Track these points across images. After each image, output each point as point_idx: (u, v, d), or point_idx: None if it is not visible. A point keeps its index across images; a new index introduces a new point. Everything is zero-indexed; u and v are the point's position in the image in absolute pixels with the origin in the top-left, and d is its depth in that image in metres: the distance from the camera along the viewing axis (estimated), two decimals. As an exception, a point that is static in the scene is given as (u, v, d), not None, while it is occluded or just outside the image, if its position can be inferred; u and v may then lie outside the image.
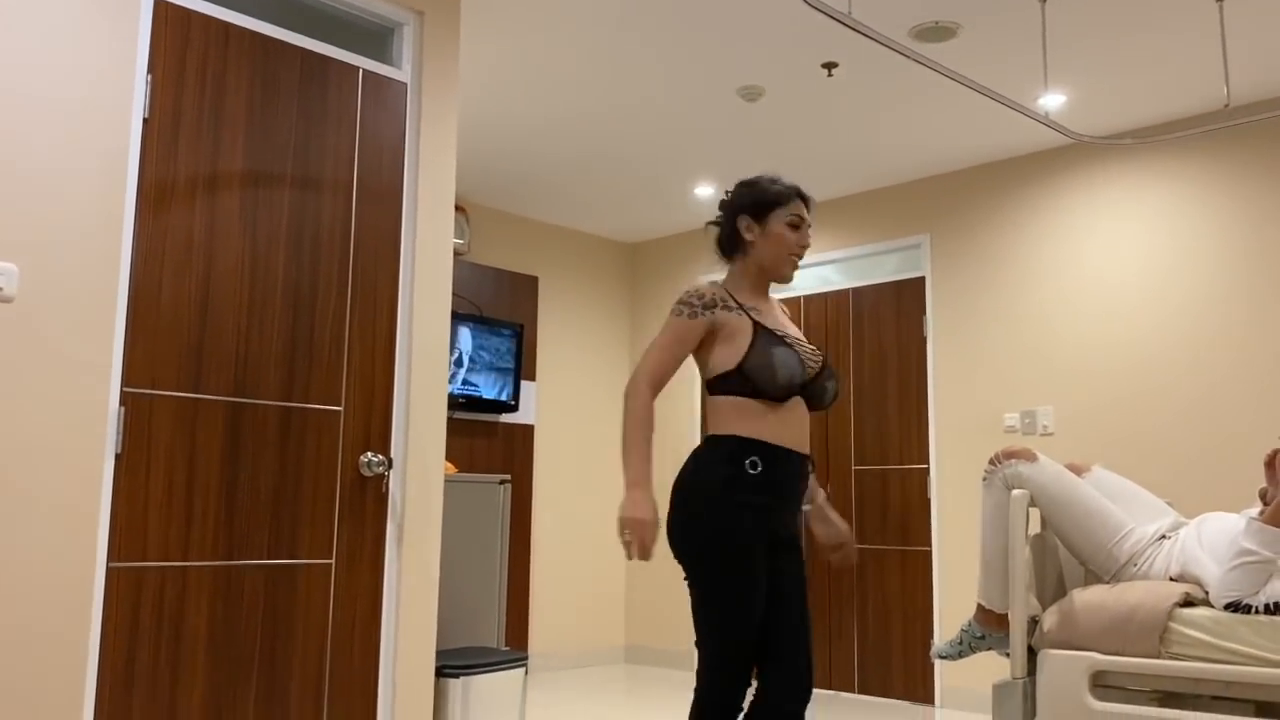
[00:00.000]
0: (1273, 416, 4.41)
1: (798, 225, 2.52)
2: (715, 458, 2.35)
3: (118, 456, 2.55)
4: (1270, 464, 2.39)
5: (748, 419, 2.38)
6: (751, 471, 2.32)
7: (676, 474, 2.40)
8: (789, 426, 2.38)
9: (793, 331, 2.53)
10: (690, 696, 5.45)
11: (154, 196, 2.67)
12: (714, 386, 2.44)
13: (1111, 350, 4.90)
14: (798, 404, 2.41)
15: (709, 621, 2.28)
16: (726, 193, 2.59)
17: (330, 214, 3.02)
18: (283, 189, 2.92)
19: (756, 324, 2.42)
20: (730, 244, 2.57)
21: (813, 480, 2.53)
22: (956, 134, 5.02)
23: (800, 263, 2.57)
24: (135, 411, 2.59)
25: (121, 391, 2.57)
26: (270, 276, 2.88)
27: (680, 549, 2.33)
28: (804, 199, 2.57)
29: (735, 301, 2.46)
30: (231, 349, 2.79)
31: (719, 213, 2.59)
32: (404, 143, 3.20)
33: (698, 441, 2.62)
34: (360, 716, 2.94)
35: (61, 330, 2.48)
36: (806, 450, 2.43)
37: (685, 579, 2.35)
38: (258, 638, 2.76)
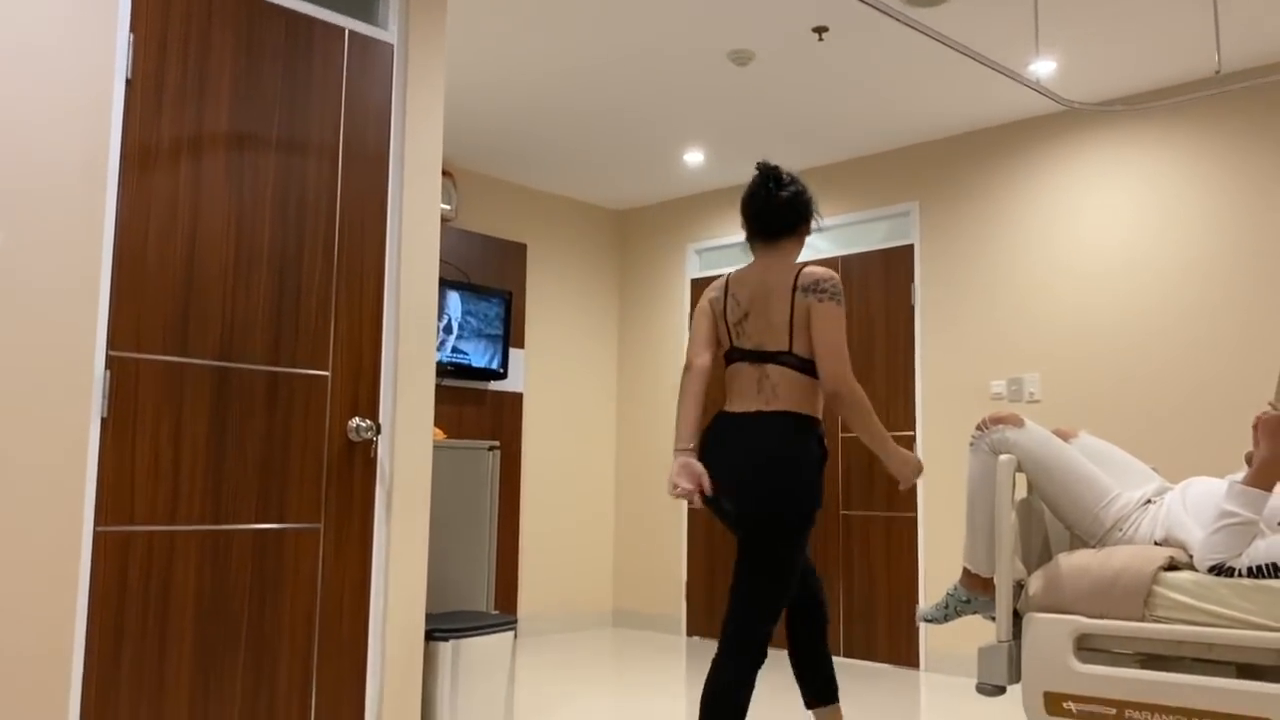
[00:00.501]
0: (1258, 382, 4.44)
1: None
2: (810, 435, 2.71)
3: (103, 420, 2.54)
4: (1257, 427, 2.41)
5: (818, 401, 2.80)
6: (821, 448, 2.75)
7: (754, 440, 2.68)
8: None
9: None
10: (678, 659, 5.49)
11: (138, 159, 2.64)
12: (805, 368, 2.75)
13: (1099, 317, 4.92)
14: None
15: (782, 576, 2.64)
16: (793, 179, 2.88)
17: (316, 177, 2.99)
18: (268, 152, 2.89)
19: None
20: (799, 228, 2.88)
21: None
22: (947, 100, 5.00)
23: None
24: (121, 375, 2.58)
25: (107, 355, 2.55)
26: (256, 240, 2.86)
27: (780, 511, 2.62)
28: None
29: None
30: (218, 313, 2.77)
31: (800, 191, 2.87)
32: (390, 105, 3.17)
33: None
34: (350, 680, 2.95)
35: (45, 294, 2.46)
36: None
37: (753, 537, 2.65)
38: (246, 602, 2.76)
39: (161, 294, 2.66)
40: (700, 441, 2.83)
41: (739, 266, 2.97)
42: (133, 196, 2.62)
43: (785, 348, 2.75)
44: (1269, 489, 2.33)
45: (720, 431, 2.78)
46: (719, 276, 6.44)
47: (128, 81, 2.63)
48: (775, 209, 2.84)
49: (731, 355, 2.87)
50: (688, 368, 2.86)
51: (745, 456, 2.68)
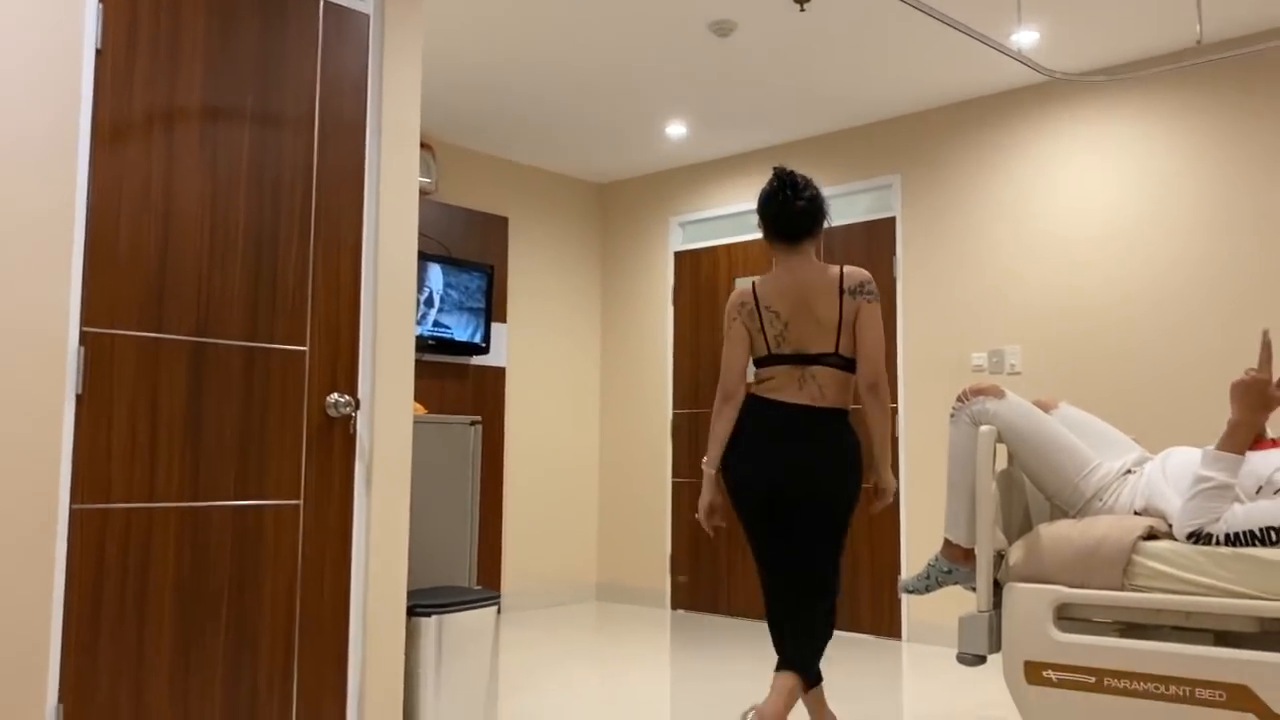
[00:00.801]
0: (1239, 352, 4.46)
1: None
2: (852, 428, 3.07)
3: (79, 397, 2.51)
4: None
5: (850, 396, 3.10)
6: None
7: (825, 433, 3.00)
8: None
9: None
10: (662, 632, 5.52)
11: (109, 131, 2.59)
12: (847, 366, 3.06)
13: (1080, 289, 4.92)
14: None
15: (842, 548, 3.07)
16: (808, 183, 3.12)
17: (292, 149, 2.95)
18: (242, 123, 2.85)
19: None
20: (816, 230, 3.12)
21: None
22: (930, 72, 4.97)
23: None
24: (96, 351, 2.55)
25: (81, 331, 2.52)
26: (231, 213, 2.82)
27: (855, 492, 3.02)
28: None
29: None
30: (193, 288, 2.73)
31: (815, 196, 3.11)
32: (367, 76, 3.13)
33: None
34: (332, 656, 2.94)
35: (16, 269, 2.42)
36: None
37: (830, 514, 3.00)
38: (226, 578, 2.75)
39: (135, 269, 2.63)
40: (741, 420, 3.10)
41: (759, 276, 3.23)
42: (105, 170, 2.58)
43: (831, 349, 3.02)
44: (1241, 451, 2.35)
45: (778, 419, 3.03)
46: (704, 249, 6.45)
47: (98, 52, 2.58)
48: (794, 216, 3.07)
49: (766, 360, 3.11)
50: (729, 398, 3.10)
51: (823, 448, 2.99)
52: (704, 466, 3.18)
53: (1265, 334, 2.48)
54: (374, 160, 3.13)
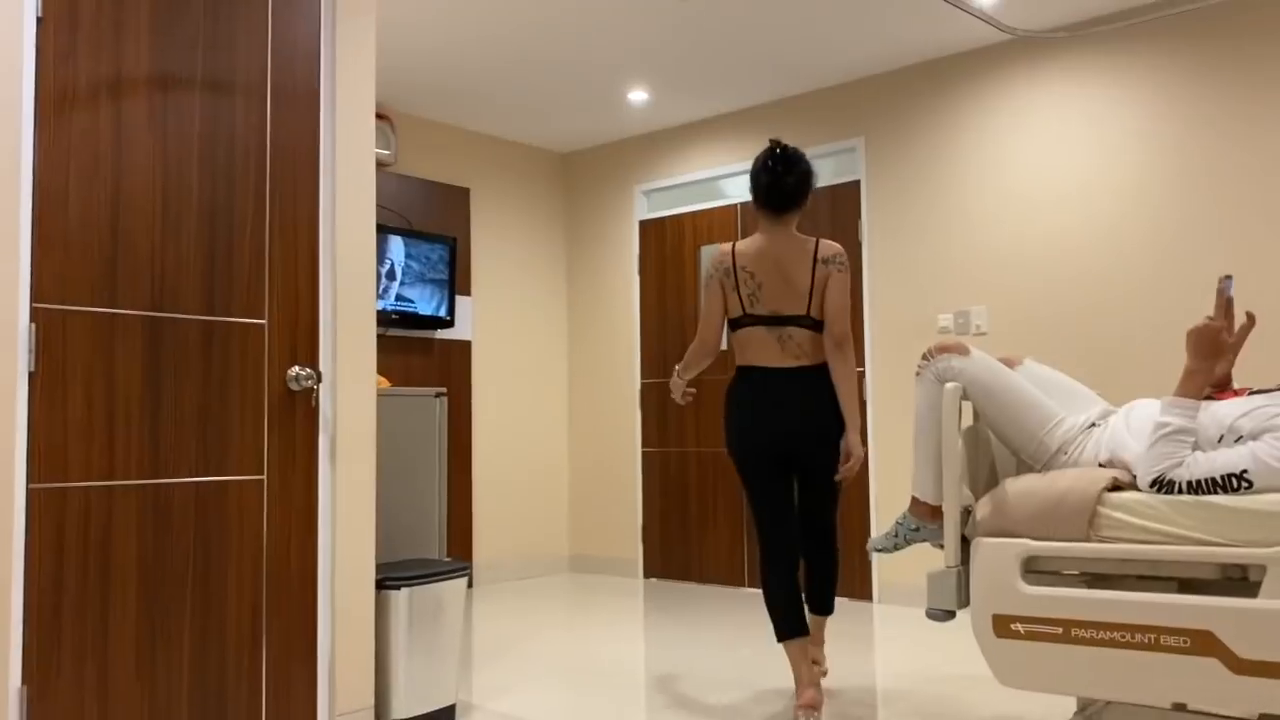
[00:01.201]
0: (1198, 306, 4.50)
1: None
2: None
3: (31, 374, 2.46)
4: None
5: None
6: None
7: (818, 391, 3.28)
8: None
9: None
10: (635, 601, 5.54)
11: (54, 102, 2.52)
12: (817, 327, 3.29)
13: (1046, 249, 4.95)
14: None
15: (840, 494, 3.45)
16: (799, 157, 3.30)
17: (244, 118, 2.89)
18: (192, 91, 2.79)
19: None
20: (803, 203, 3.32)
21: None
22: (892, 32, 4.95)
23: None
24: (47, 328, 2.49)
25: (31, 307, 2.46)
26: (184, 184, 2.76)
27: (837, 441, 3.32)
28: None
29: None
30: (146, 262, 2.68)
31: (806, 171, 3.32)
32: (319, 43, 3.06)
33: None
34: (300, 631, 2.92)
35: (-39, 244, 2.35)
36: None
37: (826, 465, 3.33)
38: (191, 555, 2.71)
39: (86, 243, 2.57)
40: (741, 393, 3.31)
41: (742, 240, 3.40)
42: (50, 142, 2.52)
43: (804, 311, 3.26)
44: (1196, 396, 2.38)
45: (776, 386, 3.27)
46: (669, 217, 6.42)
47: (39, 19, 2.51)
48: (784, 190, 3.28)
49: (742, 321, 3.32)
50: (705, 345, 3.37)
51: (821, 402, 3.27)
52: (677, 371, 3.51)
53: (1221, 281, 2.49)
54: (329, 129, 3.07)
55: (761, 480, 3.28)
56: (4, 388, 2.40)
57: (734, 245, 3.34)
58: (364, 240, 3.12)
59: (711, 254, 3.25)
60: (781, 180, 3.27)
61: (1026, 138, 5.01)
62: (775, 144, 3.33)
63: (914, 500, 2.79)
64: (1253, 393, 2.45)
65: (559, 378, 6.88)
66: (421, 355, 6.00)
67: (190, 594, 2.71)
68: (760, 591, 3.77)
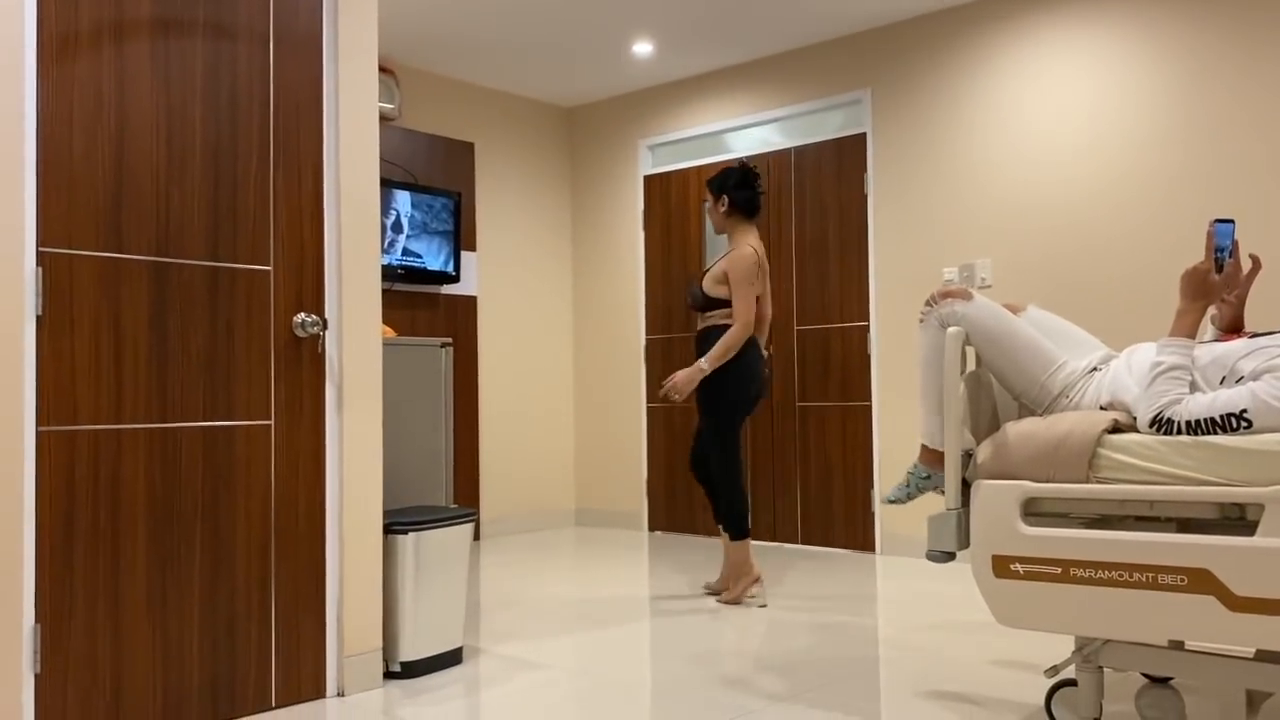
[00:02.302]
0: (1199, 255, 4.48)
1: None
2: None
3: (39, 319, 2.48)
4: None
5: None
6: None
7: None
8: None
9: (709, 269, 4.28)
10: (639, 553, 5.57)
11: (57, 46, 2.52)
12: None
13: (1050, 201, 4.93)
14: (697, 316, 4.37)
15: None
16: (758, 176, 4.41)
17: (247, 64, 2.89)
18: (195, 36, 2.78)
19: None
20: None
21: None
22: (897, -18, 4.90)
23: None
24: (54, 272, 2.50)
25: (38, 252, 2.48)
26: (187, 130, 2.77)
27: None
28: (707, 185, 4.40)
29: None
30: (151, 207, 2.69)
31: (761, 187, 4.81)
32: (322, -12, 3.05)
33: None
34: (309, 574, 2.96)
35: (-33, 187, 2.36)
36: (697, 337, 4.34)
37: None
38: (200, 499, 2.75)
39: (91, 188, 2.58)
40: (753, 357, 4.22)
41: (753, 241, 4.32)
42: (53, 87, 2.52)
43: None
44: (1189, 336, 2.40)
45: (759, 352, 4.29)
46: (674, 171, 6.39)
47: (39, -38, 2.50)
48: (757, 203, 4.32)
49: (759, 301, 4.33)
50: (749, 328, 4.14)
51: None
52: (703, 365, 4.12)
53: (1211, 224, 2.49)
54: (331, 73, 3.06)
55: (744, 412, 4.23)
56: (12, 331, 2.42)
57: (756, 247, 4.24)
58: (368, 186, 3.13)
59: (754, 256, 4.17)
60: (756, 195, 4.30)
61: (1033, 89, 4.97)
62: (745, 164, 4.34)
63: (924, 448, 2.81)
64: (1254, 335, 2.46)
65: (564, 333, 6.90)
66: (428, 310, 6.02)
67: (200, 537, 2.74)
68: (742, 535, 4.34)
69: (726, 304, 4.16)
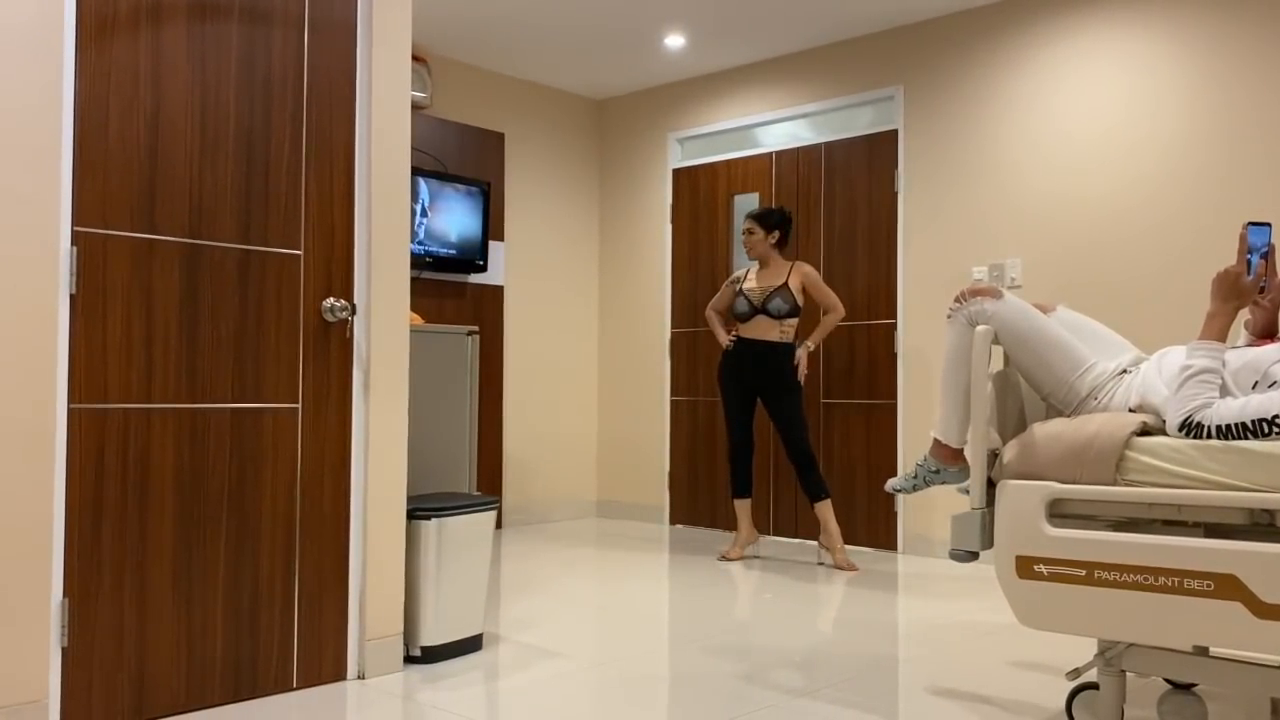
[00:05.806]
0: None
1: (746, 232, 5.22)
2: None
3: (72, 297, 2.51)
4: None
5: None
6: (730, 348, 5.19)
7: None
8: (748, 330, 5.13)
9: (760, 285, 5.11)
10: (660, 546, 5.57)
11: (95, 28, 2.55)
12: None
13: (1081, 201, 4.89)
14: (759, 319, 5.09)
15: None
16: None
17: (281, 49, 2.90)
18: (230, 19, 2.80)
19: (739, 290, 5.18)
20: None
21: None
22: (932, -22, 4.87)
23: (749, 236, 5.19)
24: (88, 251, 2.53)
25: (73, 231, 2.51)
26: (221, 114, 2.79)
27: None
28: (751, 216, 5.19)
29: (741, 277, 5.24)
30: (184, 189, 2.71)
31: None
32: (357, -25, 3.06)
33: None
34: (333, 557, 2.98)
35: (4, 166, 2.39)
36: (763, 339, 5.10)
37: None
38: (226, 479, 2.77)
39: (126, 169, 2.60)
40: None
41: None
42: (91, 69, 2.54)
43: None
44: (1219, 339, 2.37)
45: None
46: (703, 165, 6.38)
47: (80, -56, 2.52)
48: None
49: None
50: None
51: None
52: (810, 345, 5.10)
53: (1243, 227, 2.46)
54: (365, 61, 3.08)
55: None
56: (46, 309, 2.45)
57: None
58: (399, 173, 3.14)
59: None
60: (790, 230, 5.20)
61: (1066, 88, 4.93)
62: (784, 209, 5.20)
63: (935, 442, 2.79)
64: (1289, 340, 2.43)
65: (589, 324, 6.90)
66: (455, 299, 6.04)
67: (226, 517, 2.77)
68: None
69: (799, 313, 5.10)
